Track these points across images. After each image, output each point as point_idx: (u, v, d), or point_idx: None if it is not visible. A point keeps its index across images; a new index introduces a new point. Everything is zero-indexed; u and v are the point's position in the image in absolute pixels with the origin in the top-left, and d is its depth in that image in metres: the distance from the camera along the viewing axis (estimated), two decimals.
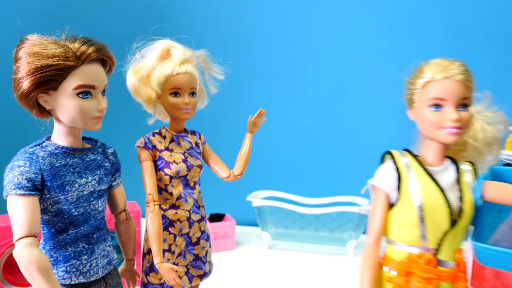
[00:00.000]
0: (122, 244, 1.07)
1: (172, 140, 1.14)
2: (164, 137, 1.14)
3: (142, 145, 1.09)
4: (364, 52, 2.21)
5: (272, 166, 2.35)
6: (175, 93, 1.09)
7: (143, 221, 1.91)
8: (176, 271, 1.02)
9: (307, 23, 2.23)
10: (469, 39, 2.13)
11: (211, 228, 2.02)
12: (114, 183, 0.99)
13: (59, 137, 0.87)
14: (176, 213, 1.12)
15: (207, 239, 1.20)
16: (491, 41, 2.11)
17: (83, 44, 0.81)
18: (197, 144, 1.19)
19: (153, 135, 1.13)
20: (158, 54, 1.12)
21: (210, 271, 1.20)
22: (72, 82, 0.80)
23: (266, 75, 2.27)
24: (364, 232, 2.26)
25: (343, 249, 2.08)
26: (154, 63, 1.12)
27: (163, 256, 1.09)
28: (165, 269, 1.00)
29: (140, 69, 1.14)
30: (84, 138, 0.95)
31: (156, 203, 1.06)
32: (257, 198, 2.14)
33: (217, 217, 2.16)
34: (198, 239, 1.16)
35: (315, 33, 2.23)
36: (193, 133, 1.21)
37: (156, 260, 1.01)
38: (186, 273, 1.13)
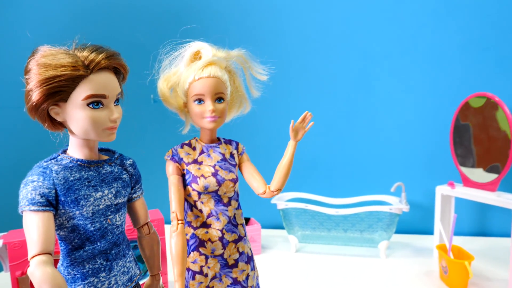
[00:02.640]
0: (146, 259, 1.02)
1: (202, 152, 1.05)
2: (194, 148, 1.06)
3: (169, 158, 1.04)
4: (389, 44, 2.12)
5: (296, 166, 2.29)
6: (199, 100, 1.01)
7: (167, 228, 1.89)
8: None
9: (327, 17, 2.16)
10: (496, 25, 2.01)
11: None
12: (134, 195, 0.95)
13: (74, 150, 0.84)
14: (207, 232, 1.03)
15: (248, 262, 1.08)
16: None
17: (92, 52, 0.78)
18: (232, 155, 1.09)
19: (182, 147, 1.06)
20: (188, 58, 1.05)
21: None
22: (81, 92, 0.77)
23: (287, 72, 2.21)
24: (396, 232, 2.17)
25: (375, 251, 2.00)
26: (183, 69, 1.05)
27: (194, 279, 1.03)
28: None
29: (171, 76, 1.07)
30: (101, 150, 0.92)
31: (180, 221, 0.98)
32: (282, 201, 2.08)
33: None
34: (236, 261, 1.06)
35: (335, 27, 2.16)
36: (229, 142, 1.11)
37: (176, 286, 0.94)
38: None
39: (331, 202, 2.13)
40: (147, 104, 2.22)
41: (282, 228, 2.28)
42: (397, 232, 2.19)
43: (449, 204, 1.90)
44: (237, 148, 1.11)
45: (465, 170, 1.84)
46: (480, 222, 2.17)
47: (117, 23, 2.27)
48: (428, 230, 2.17)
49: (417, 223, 2.20)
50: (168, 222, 1.97)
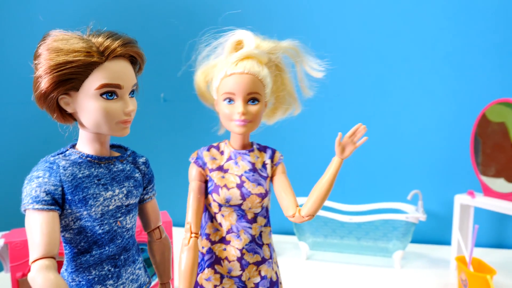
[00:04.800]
0: (156, 265, 0.95)
1: (229, 158, 0.92)
2: (222, 153, 0.93)
3: (193, 161, 0.92)
4: (407, 47, 2.05)
5: (307, 170, 2.22)
6: (229, 99, 0.87)
7: (175, 230, 1.81)
8: None
9: (342, 21, 2.09)
10: None
11: None
12: (146, 196, 0.88)
13: (84, 145, 0.78)
14: (225, 249, 0.91)
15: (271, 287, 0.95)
16: None
17: (107, 38, 0.71)
18: (264, 165, 0.95)
19: (208, 150, 0.94)
20: (228, 49, 0.91)
21: None
22: (95, 81, 0.70)
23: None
24: (412, 242, 2.09)
25: (389, 260, 1.92)
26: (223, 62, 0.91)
27: None
28: None
29: (209, 69, 0.95)
30: (113, 146, 0.85)
31: (193, 235, 0.87)
32: None
33: None
34: (256, 285, 0.93)
35: (351, 30, 2.09)
36: (263, 149, 0.97)
37: None
38: None
39: (344, 208, 2.05)
40: (155, 101, 2.16)
41: (293, 234, 2.21)
42: (412, 241, 2.11)
43: (468, 214, 1.82)
44: (272, 158, 0.97)
45: (486, 180, 1.76)
46: (499, 233, 2.09)
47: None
48: (444, 240, 2.09)
49: (433, 232, 2.12)
50: (177, 225, 1.90)
